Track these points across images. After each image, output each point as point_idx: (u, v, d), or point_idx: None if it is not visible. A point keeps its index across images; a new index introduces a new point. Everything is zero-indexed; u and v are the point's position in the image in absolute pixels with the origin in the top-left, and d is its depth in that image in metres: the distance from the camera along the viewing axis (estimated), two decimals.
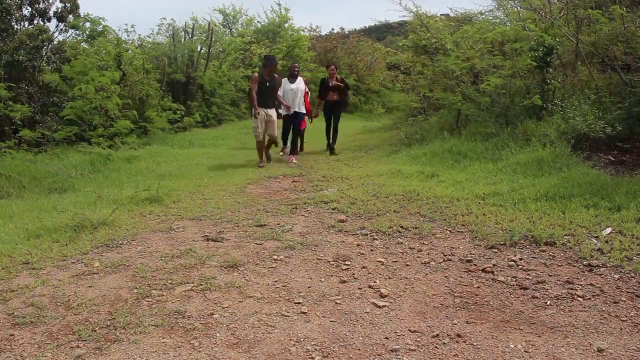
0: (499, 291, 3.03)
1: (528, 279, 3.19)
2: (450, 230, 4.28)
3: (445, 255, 3.66)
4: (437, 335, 2.48)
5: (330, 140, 9.84)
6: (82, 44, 12.86)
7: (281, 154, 9.39)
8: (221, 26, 22.68)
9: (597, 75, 8.37)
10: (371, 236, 4.06)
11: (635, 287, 3.02)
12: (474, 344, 2.41)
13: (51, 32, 12.32)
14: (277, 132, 8.44)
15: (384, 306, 2.82)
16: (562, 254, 3.61)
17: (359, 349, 2.35)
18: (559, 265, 3.41)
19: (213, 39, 18.14)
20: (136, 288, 3.07)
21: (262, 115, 7.97)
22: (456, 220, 4.47)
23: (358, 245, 3.90)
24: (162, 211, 5.02)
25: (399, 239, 3.98)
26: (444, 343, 2.41)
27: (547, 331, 2.53)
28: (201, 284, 3.11)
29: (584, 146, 6.75)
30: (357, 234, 4.14)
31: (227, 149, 11.29)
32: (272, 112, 8.16)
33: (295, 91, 8.85)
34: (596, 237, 3.90)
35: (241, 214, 4.80)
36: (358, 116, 21.14)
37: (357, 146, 10.59)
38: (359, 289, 3.08)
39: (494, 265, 3.46)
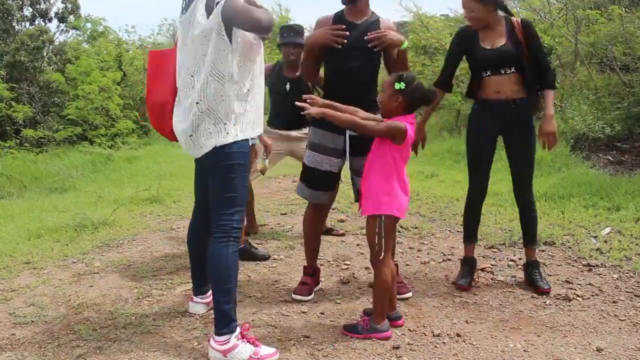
0: (499, 291, 3.05)
1: None
2: (450, 230, 4.29)
3: (445, 255, 3.68)
4: (437, 334, 2.49)
5: None
6: (83, 45, 12.87)
7: None
8: None
9: (596, 75, 8.39)
10: None
11: (634, 287, 3.03)
12: (474, 343, 2.42)
13: (52, 33, 12.33)
14: None
15: None
16: (561, 254, 3.62)
17: (360, 348, 2.36)
18: (558, 265, 3.42)
19: None
20: (137, 288, 3.09)
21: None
22: (456, 220, 4.49)
23: (358, 245, 3.91)
24: (162, 211, 5.04)
25: (398, 238, 3.98)
26: (444, 342, 2.42)
27: (546, 330, 2.54)
28: None
29: (583, 146, 6.77)
30: (357, 234, 4.15)
31: None
32: None
33: None
34: (595, 236, 3.91)
35: None
36: None
37: None
38: (359, 288, 3.09)
39: (493, 264, 3.48)
